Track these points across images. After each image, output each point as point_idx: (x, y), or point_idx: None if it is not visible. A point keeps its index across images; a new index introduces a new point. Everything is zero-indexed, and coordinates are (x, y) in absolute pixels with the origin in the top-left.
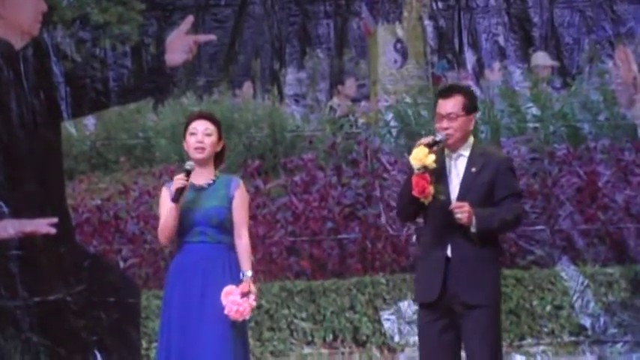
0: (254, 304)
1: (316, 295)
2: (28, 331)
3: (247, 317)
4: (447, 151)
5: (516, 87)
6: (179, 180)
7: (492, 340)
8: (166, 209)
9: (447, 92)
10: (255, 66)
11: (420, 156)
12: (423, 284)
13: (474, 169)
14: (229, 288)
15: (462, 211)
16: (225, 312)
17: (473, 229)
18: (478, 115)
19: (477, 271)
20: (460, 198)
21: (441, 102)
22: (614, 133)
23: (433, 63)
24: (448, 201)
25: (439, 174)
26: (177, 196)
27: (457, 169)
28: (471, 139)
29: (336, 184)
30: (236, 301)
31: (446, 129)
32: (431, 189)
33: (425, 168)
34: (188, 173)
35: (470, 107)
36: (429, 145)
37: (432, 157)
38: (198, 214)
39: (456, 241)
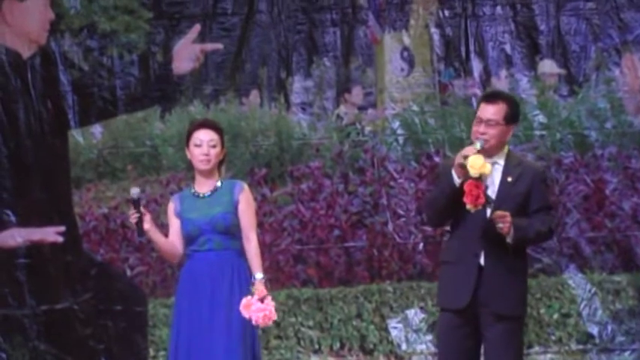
0: (273, 303)
1: (323, 303)
2: (35, 339)
3: (274, 317)
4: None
5: (523, 95)
6: (132, 216)
7: (514, 353)
8: (171, 225)
9: (493, 98)
10: (262, 74)
11: (479, 164)
12: (452, 290)
13: (510, 179)
14: (246, 300)
15: (504, 221)
16: (254, 322)
17: (509, 240)
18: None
19: (509, 281)
20: (496, 207)
21: (483, 106)
22: (621, 141)
23: (440, 71)
24: (484, 209)
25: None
26: (140, 231)
27: (492, 177)
28: (506, 148)
29: (343, 192)
30: (259, 307)
31: (483, 134)
32: (484, 198)
33: (481, 176)
34: (137, 203)
35: (511, 117)
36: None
37: (489, 166)
38: (204, 222)
39: (491, 249)
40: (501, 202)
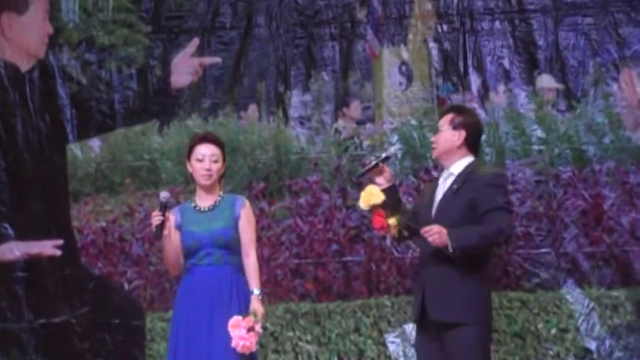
0: (260, 330)
1: (321, 318)
2: (33, 353)
3: (254, 350)
4: (442, 172)
5: (521, 109)
6: (156, 217)
7: (473, 358)
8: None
9: (444, 111)
10: (261, 88)
11: (366, 197)
12: (413, 304)
13: (455, 187)
14: (235, 320)
15: (431, 234)
16: (233, 345)
17: (450, 250)
18: (483, 137)
19: (454, 289)
20: (437, 217)
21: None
22: (620, 156)
23: (438, 85)
24: (427, 222)
25: (430, 195)
26: (158, 233)
27: (444, 188)
28: (466, 160)
29: (341, 207)
30: (242, 336)
31: (432, 142)
32: (389, 222)
33: (375, 206)
34: (164, 207)
35: (456, 123)
36: (372, 166)
37: (379, 194)
38: (204, 236)
39: (435, 260)
40: (442, 211)
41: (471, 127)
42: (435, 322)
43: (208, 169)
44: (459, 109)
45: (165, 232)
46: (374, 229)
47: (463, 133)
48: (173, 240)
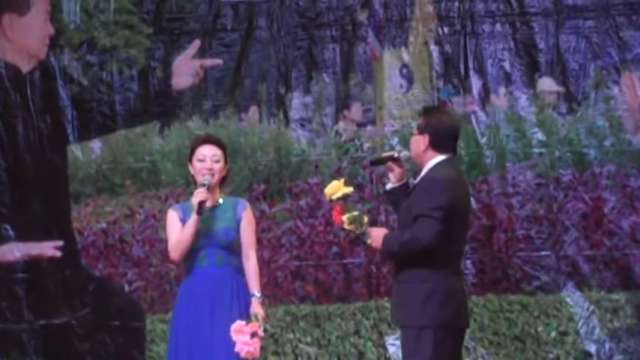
0: (262, 334)
1: (321, 320)
2: (33, 354)
3: (257, 355)
4: None
5: (522, 112)
6: (201, 193)
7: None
8: (177, 228)
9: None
10: (262, 90)
11: (327, 190)
12: None
13: (410, 190)
14: (238, 325)
15: (371, 237)
16: (236, 350)
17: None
18: (484, 140)
19: (400, 292)
20: (398, 220)
21: None
22: (620, 159)
23: (439, 88)
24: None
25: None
26: (200, 209)
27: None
28: (433, 161)
29: None
30: (246, 341)
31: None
32: (342, 219)
33: (332, 201)
34: (206, 187)
35: (422, 126)
36: (383, 160)
37: (340, 189)
38: (206, 236)
39: (396, 264)
40: (400, 215)
41: (436, 129)
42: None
43: (210, 169)
44: (427, 111)
45: (202, 210)
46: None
47: (427, 137)
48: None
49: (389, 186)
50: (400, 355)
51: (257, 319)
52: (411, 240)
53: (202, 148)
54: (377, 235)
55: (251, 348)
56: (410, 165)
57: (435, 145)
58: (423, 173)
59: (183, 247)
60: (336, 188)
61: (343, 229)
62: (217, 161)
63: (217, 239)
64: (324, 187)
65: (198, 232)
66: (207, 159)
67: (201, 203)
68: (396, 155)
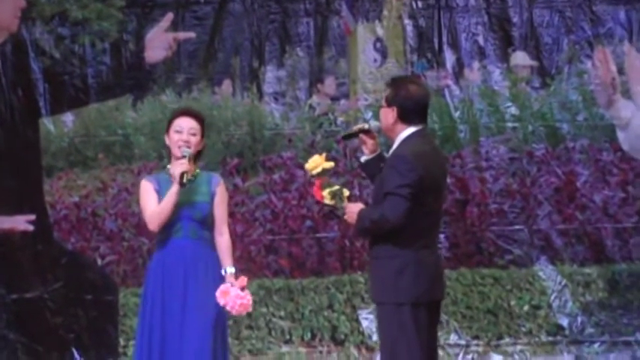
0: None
1: (295, 294)
2: (5, 328)
3: (250, 310)
4: None
5: (495, 86)
6: (183, 164)
7: (381, 337)
8: (152, 199)
9: (386, 85)
10: (235, 64)
11: (308, 164)
12: None
13: (382, 165)
14: (225, 287)
15: (347, 212)
16: (229, 309)
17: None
18: (457, 114)
19: (375, 268)
20: (372, 194)
21: None
22: (593, 134)
23: (413, 62)
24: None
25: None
26: (182, 180)
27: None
28: (403, 134)
29: None
30: (239, 294)
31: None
32: (323, 194)
33: (313, 175)
34: (188, 159)
35: (390, 99)
36: (354, 134)
37: (316, 163)
38: (182, 208)
39: (371, 240)
40: (374, 190)
41: (404, 101)
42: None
43: (186, 141)
44: (394, 83)
45: (184, 180)
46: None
47: (395, 110)
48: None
49: (363, 158)
50: (373, 329)
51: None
52: (380, 218)
53: (180, 120)
54: (352, 211)
55: (244, 300)
56: (383, 137)
57: (404, 118)
58: (394, 147)
59: (163, 218)
60: (317, 163)
61: (323, 205)
62: (194, 134)
63: (193, 212)
64: (298, 161)
65: (178, 202)
66: (185, 131)
67: (183, 174)
68: (366, 127)
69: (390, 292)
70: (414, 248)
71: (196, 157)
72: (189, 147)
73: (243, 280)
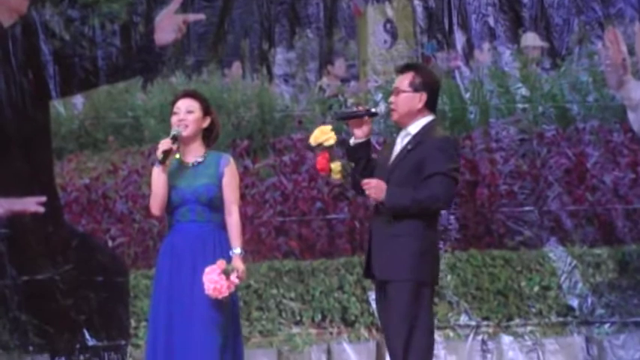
0: (237, 281)
1: (305, 275)
2: (16, 310)
3: (226, 294)
4: (401, 129)
5: (506, 68)
6: (165, 143)
7: (402, 315)
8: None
9: (401, 69)
10: (245, 46)
11: (317, 134)
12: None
13: (409, 147)
14: (210, 268)
15: (368, 187)
16: (205, 291)
17: (383, 205)
18: (467, 95)
19: (391, 246)
20: (390, 174)
21: (396, 78)
22: (603, 115)
23: (423, 43)
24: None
25: (388, 152)
26: (163, 158)
27: (401, 146)
28: (424, 120)
29: None
30: (213, 279)
31: (391, 103)
32: (331, 166)
33: (320, 146)
34: (174, 138)
35: (418, 85)
36: (358, 115)
37: (331, 135)
38: (187, 192)
39: (377, 217)
40: (394, 168)
41: (433, 88)
42: (380, 278)
43: (182, 119)
44: (419, 69)
45: (167, 161)
46: (317, 169)
47: (424, 96)
48: (166, 176)
49: (353, 141)
50: None
51: (233, 269)
52: (429, 197)
53: (178, 102)
54: (376, 186)
55: (218, 285)
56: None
57: (430, 105)
58: (417, 131)
59: (158, 201)
60: (327, 135)
61: (328, 178)
62: (191, 112)
63: (198, 195)
64: (308, 142)
65: (179, 187)
66: (181, 111)
67: (166, 153)
68: (374, 110)
69: (412, 272)
70: (435, 230)
71: (207, 137)
72: (186, 125)
73: (222, 263)
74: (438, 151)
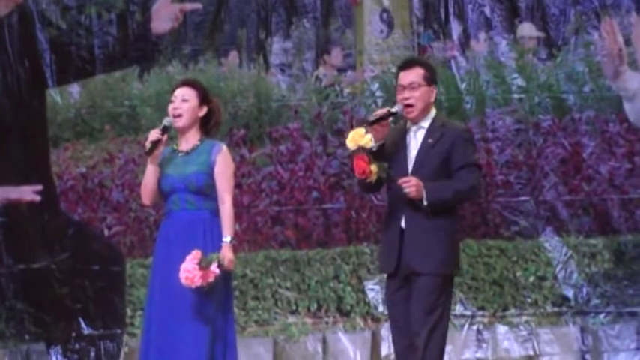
0: (217, 271)
1: (301, 265)
2: (12, 298)
3: (199, 284)
4: (408, 124)
5: (502, 58)
6: (154, 133)
7: (431, 304)
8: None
9: (408, 64)
10: (241, 35)
11: (356, 138)
12: (383, 256)
13: (430, 141)
14: (189, 255)
15: (409, 186)
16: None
17: (424, 202)
18: (463, 85)
19: (428, 241)
20: (415, 170)
21: (402, 74)
22: (599, 105)
23: (419, 33)
24: (403, 174)
25: (398, 147)
26: (151, 149)
27: (417, 140)
28: (433, 112)
29: (322, 154)
30: (187, 268)
31: (407, 99)
32: (372, 168)
33: (361, 149)
34: (165, 129)
35: (430, 79)
36: (384, 117)
37: (369, 137)
38: (178, 179)
39: (410, 212)
40: (420, 164)
41: (437, 82)
42: (409, 271)
43: (177, 107)
44: (424, 63)
45: (157, 152)
46: (355, 172)
47: (435, 89)
48: (155, 166)
49: (375, 146)
50: (379, 300)
51: (218, 258)
52: (469, 189)
53: (176, 90)
54: (415, 184)
55: (189, 274)
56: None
57: (435, 98)
58: (430, 124)
59: (148, 191)
60: (362, 137)
61: (365, 180)
62: (186, 100)
63: (188, 183)
64: (304, 132)
65: (170, 175)
66: (177, 99)
67: (154, 144)
68: (393, 110)
69: (448, 264)
70: (459, 222)
71: (203, 124)
72: (180, 114)
73: (197, 253)
74: (465, 142)
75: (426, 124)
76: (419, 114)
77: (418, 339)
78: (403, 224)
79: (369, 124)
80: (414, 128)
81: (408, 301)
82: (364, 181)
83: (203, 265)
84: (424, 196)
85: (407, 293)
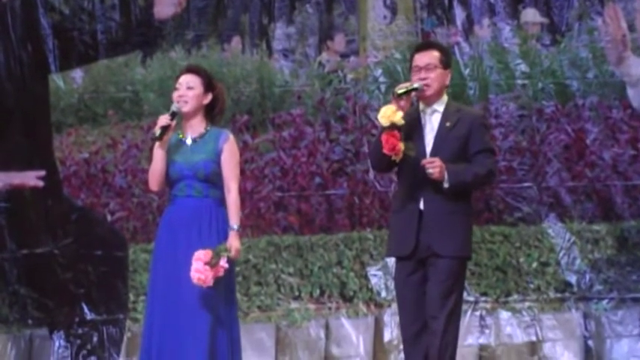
0: (226, 265)
1: (304, 251)
2: (15, 283)
3: (211, 284)
4: (422, 107)
5: (505, 44)
6: (164, 118)
7: (449, 287)
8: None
9: (424, 47)
10: (244, 20)
11: (388, 114)
12: (398, 238)
13: (448, 124)
14: (198, 253)
15: (434, 167)
16: (191, 276)
17: (445, 184)
18: (467, 71)
19: (448, 223)
20: (433, 153)
21: (417, 56)
22: (603, 91)
23: (422, 19)
24: (421, 156)
25: (413, 129)
26: (160, 134)
27: (432, 124)
28: (445, 97)
29: (325, 140)
30: (198, 269)
31: (424, 79)
32: (401, 146)
33: (393, 125)
34: (173, 115)
35: (446, 62)
36: (405, 93)
37: (400, 114)
38: (186, 167)
39: (429, 194)
40: (439, 147)
41: (451, 66)
42: (428, 253)
43: (181, 95)
44: (441, 47)
45: (166, 137)
46: (385, 148)
47: (449, 74)
48: (164, 152)
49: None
50: (382, 286)
51: (226, 251)
52: (488, 173)
53: (181, 77)
54: (439, 165)
55: (202, 276)
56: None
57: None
58: (444, 108)
59: (156, 176)
60: (394, 113)
61: (394, 157)
62: (191, 87)
63: (196, 171)
64: (307, 118)
65: (178, 162)
66: (182, 86)
67: (164, 129)
68: (416, 85)
69: (465, 247)
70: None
71: (207, 112)
72: (186, 102)
73: (208, 254)
74: (482, 126)
75: (440, 107)
76: (434, 94)
77: (436, 323)
78: (422, 206)
79: (398, 96)
80: (428, 111)
81: (422, 285)
82: (389, 158)
83: (213, 264)
84: (446, 177)
85: (421, 277)
